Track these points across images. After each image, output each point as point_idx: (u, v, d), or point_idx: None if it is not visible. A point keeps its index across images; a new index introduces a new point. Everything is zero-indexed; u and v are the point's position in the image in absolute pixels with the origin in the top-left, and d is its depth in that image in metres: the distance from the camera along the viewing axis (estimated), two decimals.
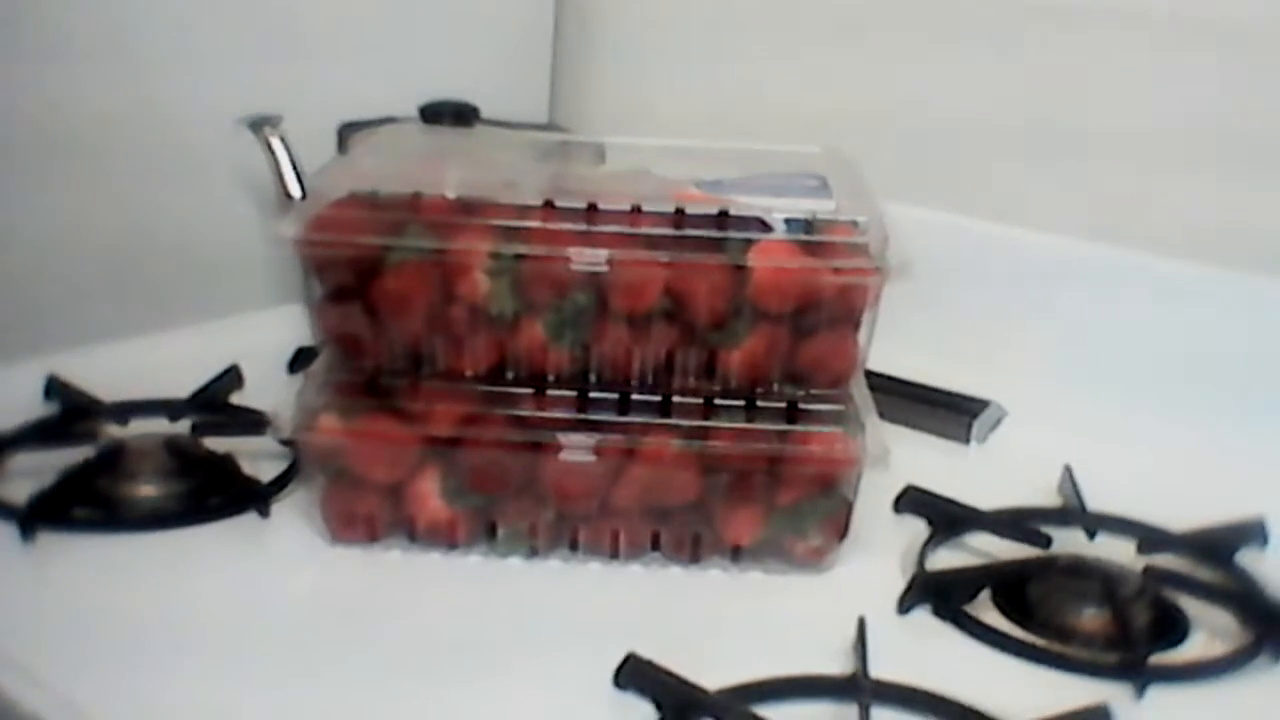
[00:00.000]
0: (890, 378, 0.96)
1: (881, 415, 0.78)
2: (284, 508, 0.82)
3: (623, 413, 0.76)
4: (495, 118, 1.11)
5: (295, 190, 1.04)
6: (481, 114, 1.10)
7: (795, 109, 1.18)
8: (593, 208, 0.76)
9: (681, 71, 1.26)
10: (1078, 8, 1.02)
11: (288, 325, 0.97)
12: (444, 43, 1.22)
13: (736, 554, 0.79)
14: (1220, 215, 0.98)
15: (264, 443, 0.85)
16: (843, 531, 0.79)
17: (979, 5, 1.07)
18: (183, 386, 0.94)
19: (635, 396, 0.77)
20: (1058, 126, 1.05)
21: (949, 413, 0.99)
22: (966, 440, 0.98)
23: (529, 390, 0.77)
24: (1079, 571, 0.77)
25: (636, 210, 0.76)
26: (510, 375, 0.77)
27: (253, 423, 0.87)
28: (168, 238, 1.09)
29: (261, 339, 1.02)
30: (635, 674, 0.64)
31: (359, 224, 0.75)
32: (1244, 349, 0.96)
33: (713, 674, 0.64)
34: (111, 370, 0.95)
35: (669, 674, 0.64)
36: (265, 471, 0.84)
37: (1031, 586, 0.76)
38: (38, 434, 0.88)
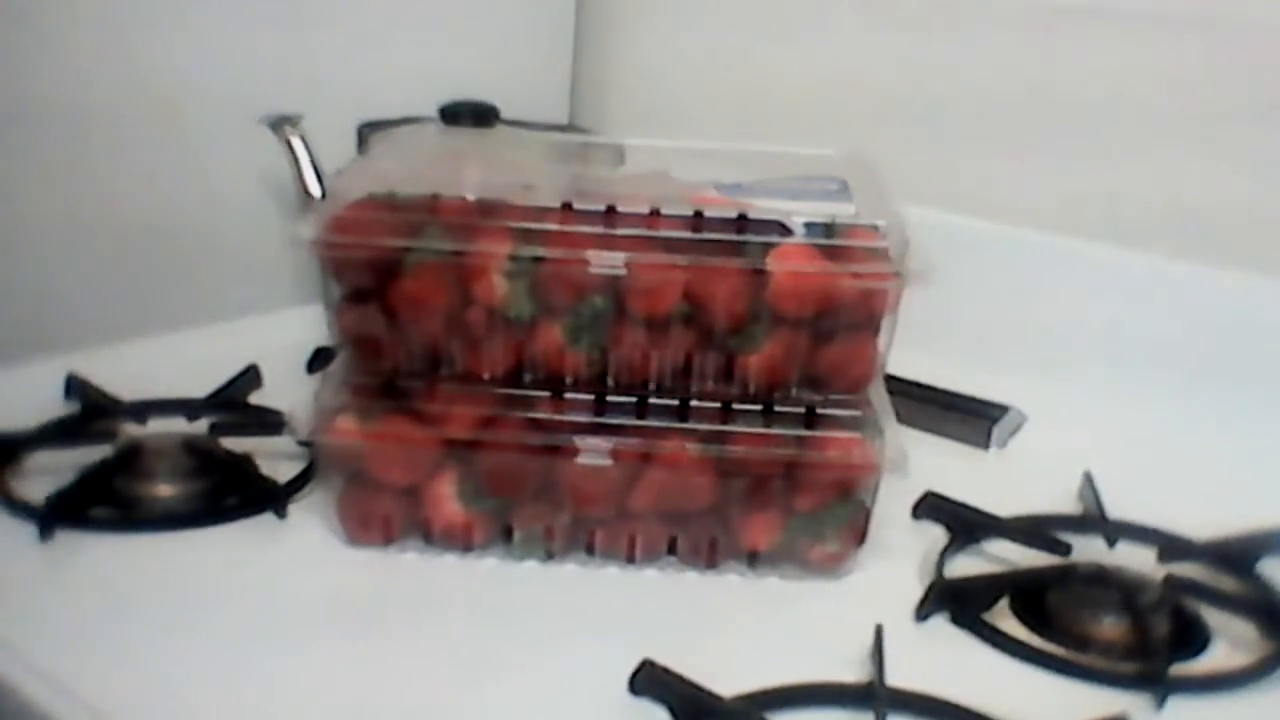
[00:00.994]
0: (910, 382, 0.95)
1: (900, 420, 0.78)
2: (301, 509, 0.82)
3: (640, 416, 0.76)
4: (515, 118, 1.11)
5: (315, 190, 1.04)
6: (501, 114, 1.09)
7: (817, 109, 1.18)
8: (611, 210, 0.75)
9: (703, 71, 1.26)
10: (1105, 10, 1.02)
11: (306, 326, 0.97)
12: (464, 42, 1.22)
13: (753, 559, 0.78)
14: (1245, 218, 0.98)
15: (282, 443, 0.85)
16: (861, 537, 0.78)
17: (1002, 4, 1.07)
18: (201, 386, 0.94)
19: (653, 400, 0.76)
20: (1080, 130, 1.05)
21: (968, 418, 0.99)
22: (986, 446, 0.98)
23: (546, 393, 0.76)
24: (1099, 580, 0.76)
25: (655, 213, 0.75)
26: (528, 378, 0.77)
27: (271, 423, 0.87)
28: (187, 237, 1.09)
29: (280, 339, 1.02)
30: (650, 680, 0.64)
31: (377, 225, 0.75)
32: (1269, 354, 0.95)
33: (728, 680, 0.64)
34: (131, 369, 0.95)
35: (684, 680, 0.63)
36: (283, 472, 0.84)
37: (1051, 595, 0.76)
38: (56, 433, 0.88)
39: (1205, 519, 0.83)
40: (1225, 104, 0.97)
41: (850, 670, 0.67)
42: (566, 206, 0.76)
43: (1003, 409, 1.00)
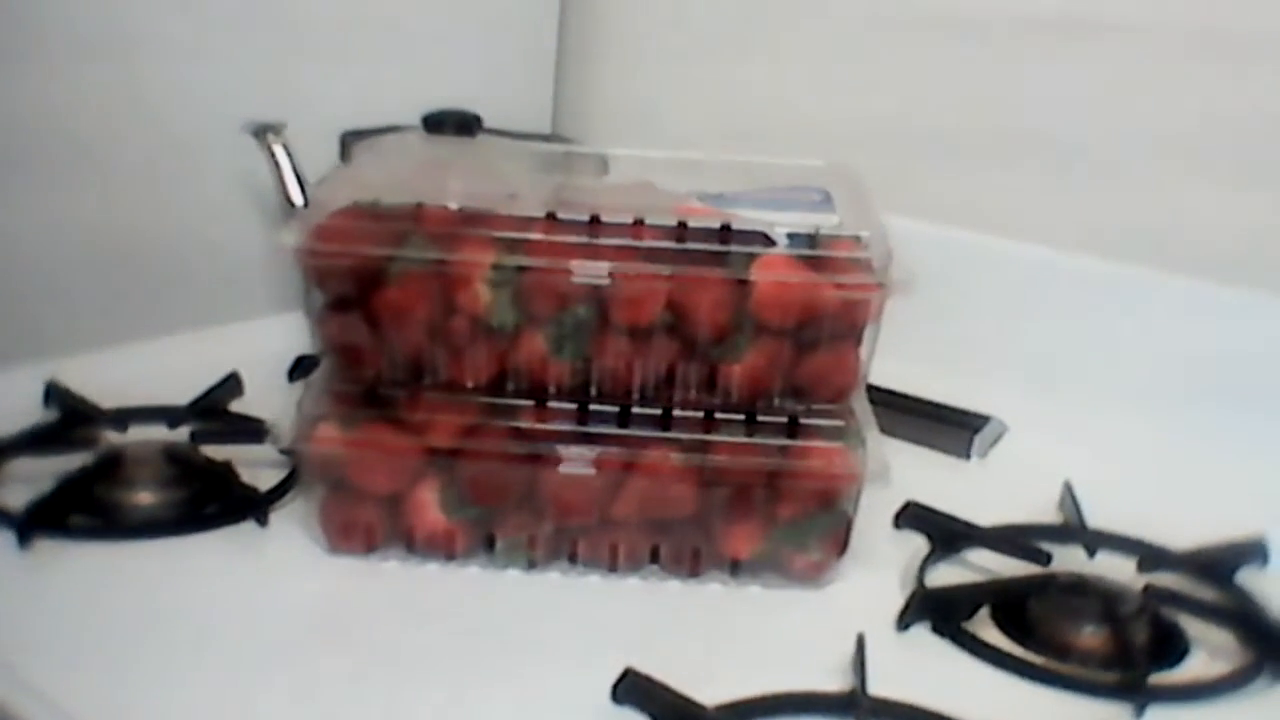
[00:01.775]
0: (892, 392, 0.96)
1: (882, 430, 0.78)
2: (282, 517, 0.82)
3: (623, 426, 0.76)
4: (498, 127, 1.11)
5: (298, 198, 1.03)
6: (484, 124, 1.09)
7: (799, 120, 1.18)
8: (595, 220, 0.75)
9: (686, 82, 1.26)
10: (1094, 26, 1.02)
11: (288, 333, 0.97)
12: (448, 51, 1.22)
13: (736, 568, 0.78)
14: (1223, 227, 0.98)
15: (263, 451, 0.84)
16: (842, 547, 0.78)
17: (984, 17, 1.07)
18: (182, 393, 0.94)
19: (636, 409, 0.76)
20: (1059, 139, 1.05)
21: (950, 428, 0.99)
22: (967, 456, 0.98)
23: (529, 402, 0.76)
24: (1079, 589, 0.77)
25: (639, 223, 0.76)
26: (510, 387, 0.77)
27: (252, 431, 0.87)
28: (168, 244, 1.09)
29: (262, 347, 1.01)
30: (633, 689, 0.64)
31: (361, 234, 0.75)
32: (1248, 364, 0.95)
33: (711, 689, 0.64)
34: (111, 377, 0.95)
35: (667, 689, 0.63)
36: (264, 480, 0.84)
37: (1031, 604, 0.76)
38: (36, 440, 0.88)
39: (1184, 529, 0.84)
40: (1214, 119, 0.98)
41: (832, 679, 0.67)
42: (550, 216, 0.76)
43: (984, 419, 1.00)
